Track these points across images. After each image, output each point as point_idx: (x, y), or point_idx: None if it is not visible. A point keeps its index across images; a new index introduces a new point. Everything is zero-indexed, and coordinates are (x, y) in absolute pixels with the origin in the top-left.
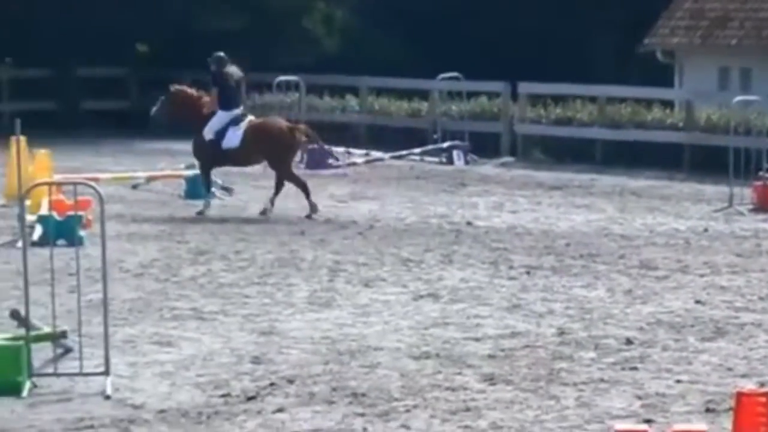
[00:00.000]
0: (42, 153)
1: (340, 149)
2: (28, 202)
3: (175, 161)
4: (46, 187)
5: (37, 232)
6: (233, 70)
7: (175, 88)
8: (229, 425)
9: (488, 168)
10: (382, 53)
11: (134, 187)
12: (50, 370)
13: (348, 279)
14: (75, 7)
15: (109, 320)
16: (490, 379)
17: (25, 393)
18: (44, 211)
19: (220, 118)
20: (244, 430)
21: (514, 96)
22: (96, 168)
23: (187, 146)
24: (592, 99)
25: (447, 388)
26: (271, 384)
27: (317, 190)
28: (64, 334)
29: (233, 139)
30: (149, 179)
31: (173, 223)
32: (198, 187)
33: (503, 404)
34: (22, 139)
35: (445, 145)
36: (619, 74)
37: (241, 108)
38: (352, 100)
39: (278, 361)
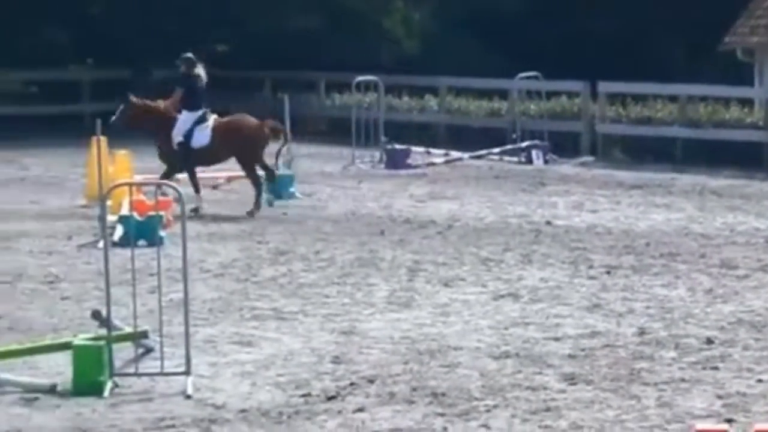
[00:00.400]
0: (122, 154)
1: (420, 149)
2: (109, 203)
3: None
4: (126, 188)
5: (118, 232)
6: (201, 72)
7: (133, 98)
8: (309, 425)
9: (568, 167)
10: (461, 53)
11: (214, 187)
12: (131, 370)
13: (428, 279)
14: (154, 8)
15: (189, 320)
16: (571, 379)
17: (106, 393)
18: (125, 211)
19: (186, 119)
20: (324, 430)
21: (594, 95)
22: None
23: (270, 147)
24: (672, 98)
25: (527, 388)
26: (352, 384)
27: (397, 189)
28: (145, 334)
29: (201, 138)
30: (229, 179)
31: (253, 223)
32: (280, 188)
33: (583, 404)
34: (103, 139)
35: (525, 144)
36: (696, 73)
37: (204, 108)
38: (431, 100)
39: (358, 361)
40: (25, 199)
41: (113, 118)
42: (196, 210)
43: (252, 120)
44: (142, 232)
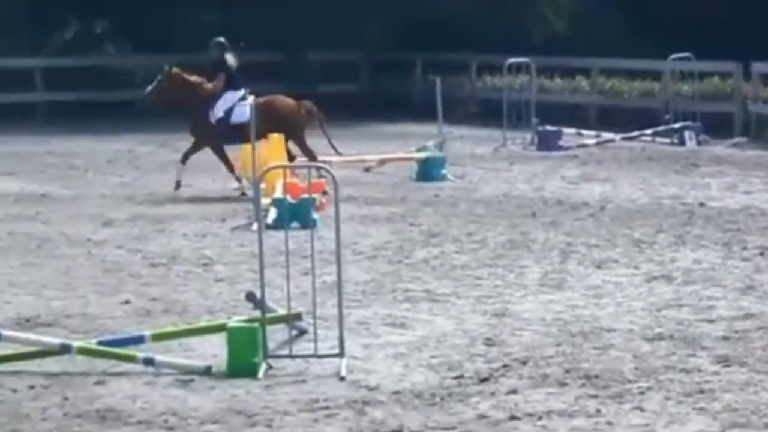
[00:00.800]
0: (275, 137)
1: (571, 131)
2: (262, 186)
3: (407, 144)
4: (280, 171)
5: (272, 215)
6: (231, 56)
7: (174, 70)
8: (462, 406)
9: (721, 148)
10: (612, 34)
11: (366, 169)
12: (285, 351)
13: (580, 260)
14: None
15: (343, 302)
16: (725, 361)
17: (261, 374)
18: (278, 194)
19: (229, 97)
20: (477, 412)
21: (747, 76)
22: (328, 151)
23: (421, 129)
24: None
25: (681, 370)
26: (504, 365)
27: (548, 171)
28: (298, 316)
29: (242, 114)
30: (381, 162)
31: (405, 205)
32: (431, 169)
33: (738, 386)
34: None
35: (677, 125)
36: None
37: (243, 89)
38: (582, 81)
39: (511, 343)
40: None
41: (149, 88)
42: (178, 184)
43: (288, 100)
44: (296, 214)
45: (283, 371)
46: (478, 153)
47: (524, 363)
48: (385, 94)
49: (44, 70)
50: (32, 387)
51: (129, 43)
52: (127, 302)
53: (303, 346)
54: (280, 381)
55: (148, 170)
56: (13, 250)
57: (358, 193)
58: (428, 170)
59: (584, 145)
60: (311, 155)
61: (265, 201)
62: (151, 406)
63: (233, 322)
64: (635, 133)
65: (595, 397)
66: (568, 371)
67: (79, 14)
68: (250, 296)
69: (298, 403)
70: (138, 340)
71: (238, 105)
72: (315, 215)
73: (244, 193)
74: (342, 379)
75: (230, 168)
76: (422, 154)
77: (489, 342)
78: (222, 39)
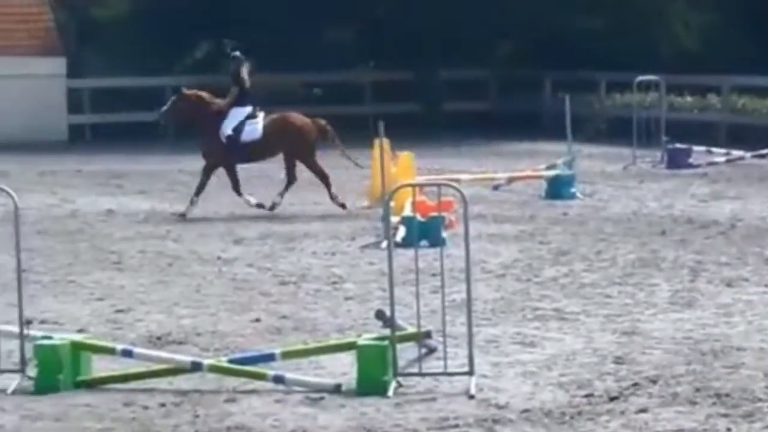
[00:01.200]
0: (405, 155)
1: (701, 148)
2: (392, 204)
3: (535, 162)
4: (409, 189)
5: (401, 233)
6: (246, 72)
7: (186, 90)
8: (592, 425)
9: None
10: (744, 50)
11: (495, 187)
12: (415, 369)
13: (710, 279)
14: (437, 9)
15: (472, 320)
16: None
17: (390, 392)
18: (408, 212)
19: (236, 114)
20: (607, 430)
21: None
22: (457, 169)
23: (550, 147)
24: None
25: None
26: (634, 384)
27: (678, 189)
28: (428, 334)
29: (253, 132)
30: (510, 180)
31: (534, 223)
32: (560, 187)
33: None
34: (386, 141)
35: None
36: None
37: (252, 106)
38: (713, 99)
39: (641, 361)
40: (308, 200)
41: (163, 108)
42: (183, 215)
43: (301, 117)
44: (425, 232)
45: (413, 389)
46: (608, 171)
47: (654, 382)
48: (514, 112)
49: (174, 88)
50: (163, 405)
51: (258, 62)
52: (257, 320)
53: (432, 364)
54: (410, 399)
55: (277, 188)
56: (144, 269)
57: (487, 211)
58: (557, 188)
59: (714, 163)
60: (322, 174)
61: (394, 219)
62: (282, 424)
63: (363, 340)
64: (765, 151)
65: (725, 416)
66: (698, 390)
67: (209, 34)
68: (379, 314)
69: (427, 421)
70: (268, 358)
71: (249, 123)
72: (444, 233)
73: (264, 206)
74: (471, 397)
75: (237, 188)
76: (551, 172)
77: (619, 360)
78: (238, 53)
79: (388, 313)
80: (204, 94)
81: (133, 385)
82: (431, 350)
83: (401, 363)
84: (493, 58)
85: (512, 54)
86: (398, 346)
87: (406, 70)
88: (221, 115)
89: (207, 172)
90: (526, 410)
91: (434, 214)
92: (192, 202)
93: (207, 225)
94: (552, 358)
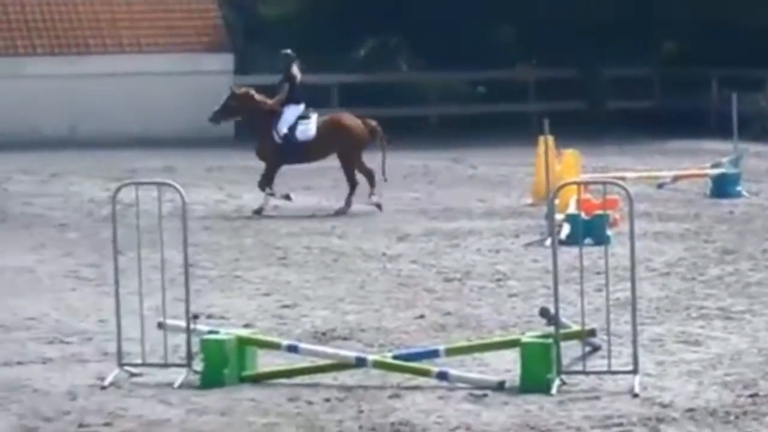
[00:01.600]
0: (569, 152)
1: None
2: (556, 201)
3: (700, 160)
4: (573, 187)
5: (565, 230)
6: (297, 70)
7: (238, 89)
8: (757, 425)
9: None
10: None
11: (660, 186)
12: (579, 367)
13: None
14: (599, 7)
15: (636, 319)
16: None
17: (554, 390)
18: (572, 210)
19: (291, 112)
20: None
21: None
22: (621, 167)
23: (716, 145)
24: None
25: None
26: None
27: None
28: (592, 333)
29: (307, 131)
30: (675, 178)
31: (699, 221)
32: (726, 186)
33: None
34: (550, 138)
35: None
36: None
37: (304, 104)
38: None
39: None
40: (473, 197)
41: (216, 108)
42: (258, 211)
43: (352, 118)
44: (589, 230)
45: (577, 387)
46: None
47: None
48: (679, 110)
49: (340, 86)
50: (328, 400)
51: (422, 60)
52: (421, 316)
53: (596, 363)
54: (574, 397)
55: (442, 186)
56: (309, 264)
57: (652, 210)
58: (723, 186)
59: None
60: (368, 172)
61: (558, 217)
62: (445, 421)
63: (527, 338)
64: None
65: None
66: None
67: (374, 31)
68: (543, 312)
69: (591, 419)
70: (432, 355)
71: (302, 122)
72: (609, 231)
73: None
74: (635, 396)
75: (266, 184)
76: (717, 171)
77: None
78: (289, 51)
79: (552, 310)
80: (255, 93)
81: (297, 380)
82: (595, 348)
83: (565, 361)
84: (658, 56)
85: (677, 51)
86: (562, 344)
87: (569, 67)
88: (274, 114)
89: (273, 171)
90: (690, 409)
91: (599, 212)
92: (268, 197)
93: (371, 221)
94: (717, 358)
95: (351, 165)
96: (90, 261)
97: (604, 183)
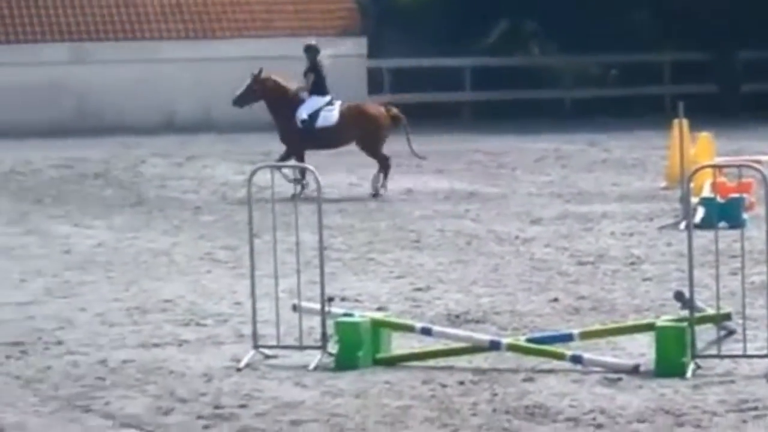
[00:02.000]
0: (704, 136)
1: None
2: (691, 185)
3: None
4: (708, 170)
5: (700, 214)
6: (323, 60)
7: (264, 74)
8: None
9: None
10: None
11: None
12: (714, 351)
13: None
14: None
15: None
16: None
17: (689, 374)
18: (707, 193)
19: (315, 101)
20: None
21: None
22: (756, 150)
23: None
24: None
25: None
26: None
27: None
28: (727, 316)
29: (329, 118)
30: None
31: None
32: None
33: None
34: (685, 122)
35: None
36: None
37: (330, 94)
38: None
39: None
40: (607, 180)
41: (238, 92)
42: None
43: (375, 106)
44: (724, 214)
45: (712, 371)
46: None
47: None
48: None
49: (472, 69)
50: (462, 383)
51: (555, 43)
52: (555, 300)
53: (731, 347)
54: (708, 381)
55: (575, 169)
56: (443, 247)
57: None
58: None
59: None
60: (385, 161)
61: (693, 200)
62: (579, 404)
63: (662, 322)
64: None
65: None
66: None
67: (508, 14)
68: (678, 295)
69: (726, 403)
70: (566, 338)
71: (324, 109)
72: (745, 215)
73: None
74: None
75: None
76: None
77: None
78: (314, 42)
79: (687, 294)
80: (279, 78)
81: (431, 362)
82: (730, 332)
83: (700, 345)
84: None
85: None
86: (697, 328)
87: (703, 51)
88: (297, 100)
89: (289, 157)
90: None
91: (734, 195)
92: (297, 187)
93: (504, 204)
94: None
95: (375, 150)
96: (225, 243)
97: (739, 166)
